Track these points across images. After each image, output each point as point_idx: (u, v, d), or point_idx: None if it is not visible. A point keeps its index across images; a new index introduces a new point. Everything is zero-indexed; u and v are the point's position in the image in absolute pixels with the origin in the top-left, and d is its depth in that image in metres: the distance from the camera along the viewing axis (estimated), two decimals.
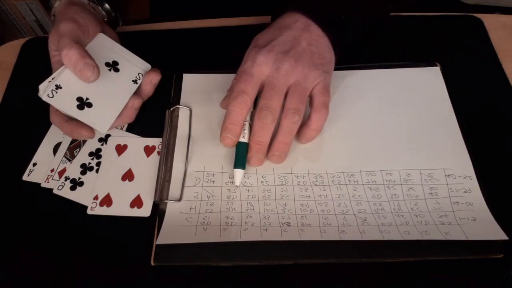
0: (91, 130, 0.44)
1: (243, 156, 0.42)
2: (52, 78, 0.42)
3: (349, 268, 0.38)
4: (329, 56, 0.43)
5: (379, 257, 0.37)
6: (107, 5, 0.50)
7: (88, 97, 0.42)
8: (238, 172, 0.42)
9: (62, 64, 0.42)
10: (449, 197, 0.40)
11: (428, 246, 0.37)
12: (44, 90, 0.41)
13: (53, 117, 0.44)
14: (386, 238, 0.37)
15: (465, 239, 0.37)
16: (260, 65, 0.40)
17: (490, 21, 0.53)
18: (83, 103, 0.42)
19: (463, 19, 0.54)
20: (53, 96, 0.41)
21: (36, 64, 0.48)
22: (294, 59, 0.40)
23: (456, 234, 0.37)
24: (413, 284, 0.37)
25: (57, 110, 0.44)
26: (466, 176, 0.41)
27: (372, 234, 0.38)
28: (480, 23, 0.53)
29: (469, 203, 0.39)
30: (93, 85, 0.43)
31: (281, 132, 0.40)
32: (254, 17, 0.56)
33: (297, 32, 0.42)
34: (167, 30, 0.57)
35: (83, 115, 0.42)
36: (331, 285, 0.37)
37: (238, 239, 0.38)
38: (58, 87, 0.41)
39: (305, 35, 0.42)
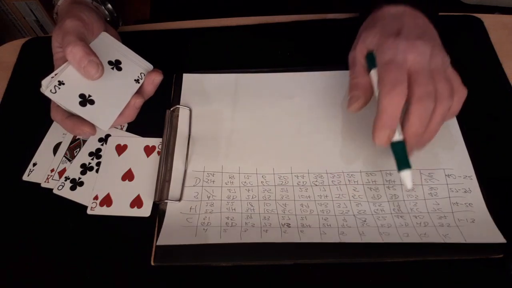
0: (93, 126, 0.44)
1: (405, 153, 0.38)
2: (55, 74, 0.42)
3: (349, 268, 0.38)
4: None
5: (379, 258, 0.37)
6: (109, 5, 0.50)
7: (91, 94, 0.42)
8: (408, 174, 0.37)
9: (65, 61, 0.42)
10: (449, 197, 0.40)
11: (427, 249, 0.37)
12: (47, 85, 0.41)
13: (54, 114, 0.44)
14: (385, 241, 0.37)
15: (463, 241, 0.37)
16: (405, 52, 0.38)
17: (490, 21, 0.53)
18: (85, 100, 0.42)
19: (463, 19, 0.54)
20: (55, 92, 0.41)
21: (36, 64, 0.48)
22: (431, 43, 0.39)
23: (454, 237, 0.37)
24: (413, 284, 0.37)
25: (58, 106, 0.43)
26: (466, 176, 0.41)
27: (371, 236, 0.38)
28: (480, 23, 0.53)
29: (469, 204, 0.39)
30: (96, 83, 0.43)
31: (447, 116, 0.38)
32: (254, 17, 0.56)
33: (414, 20, 0.41)
34: (167, 30, 0.57)
35: (85, 112, 0.42)
36: (331, 285, 0.37)
37: (239, 241, 0.38)
38: (61, 83, 0.41)
39: (420, 21, 0.41)
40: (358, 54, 0.42)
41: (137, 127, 0.48)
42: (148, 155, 0.45)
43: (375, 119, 0.38)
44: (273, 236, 0.38)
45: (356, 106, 0.41)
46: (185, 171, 0.44)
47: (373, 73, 0.40)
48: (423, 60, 0.38)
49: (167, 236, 0.39)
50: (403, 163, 0.37)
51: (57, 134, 0.47)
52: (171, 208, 0.41)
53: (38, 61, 0.47)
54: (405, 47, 0.38)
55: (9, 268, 0.40)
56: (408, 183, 0.37)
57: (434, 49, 0.39)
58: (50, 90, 0.41)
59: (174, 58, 0.53)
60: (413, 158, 0.43)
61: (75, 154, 0.46)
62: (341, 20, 0.55)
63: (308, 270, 0.38)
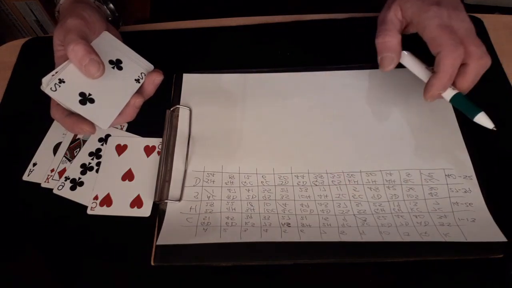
0: (92, 125, 0.43)
1: (469, 101, 0.41)
2: (56, 72, 0.42)
3: (349, 268, 0.38)
4: None
5: (379, 257, 0.37)
6: (111, 5, 0.50)
7: (91, 93, 0.42)
8: (483, 116, 0.40)
9: (66, 59, 0.42)
10: (449, 197, 0.40)
11: (428, 247, 0.37)
12: (47, 83, 0.41)
13: (53, 112, 0.44)
14: (385, 239, 0.37)
15: (464, 240, 0.37)
16: (450, 19, 0.41)
17: (490, 21, 0.53)
18: (85, 99, 0.42)
19: None
20: (55, 90, 0.41)
21: (36, 64, 0.48)
22: (467, 15, 0.42)
23: (455, 235, 0.37)
24: (413, 284, 0.37)
25: (58, 104, 0.43)
26: (466, 176, 0.41)
27: (371, 235, 0.38)
28: (480, 23, 0.53)
29: (469, 204, 0.39)
30: (96, 82, 0.43)
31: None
32: (254, 17, 0.56)
33: None
34: (167, 30, 0.57)
35: (85, 110, 0.42)
36: (331, 285, 0.37)
37: (238, 240, 0.38)
38: (61, 81, 0.41)
39: None
40: (392, 13, 0.44)
41: (137, 127, 0.48)
42: (148, 155, 0.45)
43: (433, 79, 0.40)
44: (273, 236, 0.38)
45: (391, 67, 0.44)
46: (185, 171, 0.44)
47: (407, 56, 0.43)
48: (467, 26, 0.41)
49: (167, 236, 0.39)
50: (473, 109, 0.40)
51: (57, 134, 0.48)
52: (171, 208, 0.41)
53: (38, 61, 0.47)
54: (448, 15, 0.41)
55: (9, 268, 0.40)
56: (489, 123, 0.40)
57: (469, 19, 0.42)
58: (50, 88, 0.41)
59: (174, 58, 0.53)
60: (413, 158, 0.43)
61: (75, 154, 0.46)
62: (341, 20, 0.55)
63: (308, 270, 0.38)
